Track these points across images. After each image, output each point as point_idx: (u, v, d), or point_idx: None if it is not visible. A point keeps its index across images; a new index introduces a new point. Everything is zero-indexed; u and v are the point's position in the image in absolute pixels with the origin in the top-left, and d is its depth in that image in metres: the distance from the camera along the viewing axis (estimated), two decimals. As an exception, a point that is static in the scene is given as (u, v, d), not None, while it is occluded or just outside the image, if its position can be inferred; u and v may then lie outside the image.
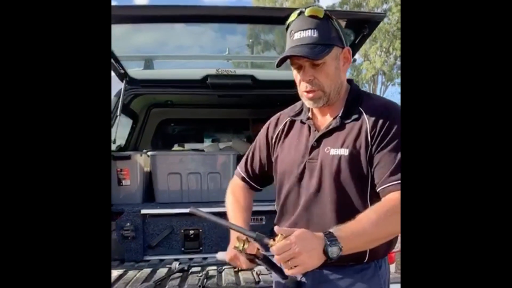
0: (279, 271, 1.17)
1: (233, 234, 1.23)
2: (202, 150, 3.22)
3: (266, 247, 1.06)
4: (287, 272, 1.03)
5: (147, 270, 2.09)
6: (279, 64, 1.20)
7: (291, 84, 2.81)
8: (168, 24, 2.43)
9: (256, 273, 1.96)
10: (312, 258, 1.00)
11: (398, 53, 16.08)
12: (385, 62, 17.66)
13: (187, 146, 4.06)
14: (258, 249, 1.13)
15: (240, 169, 1.47)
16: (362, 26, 2.03)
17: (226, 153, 2.89)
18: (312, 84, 1.19)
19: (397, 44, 15.87)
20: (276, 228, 1.04)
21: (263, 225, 2.44)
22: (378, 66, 17.62)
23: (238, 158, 2.82)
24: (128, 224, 2.33)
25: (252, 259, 1.16)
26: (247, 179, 1.45)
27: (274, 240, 1.01)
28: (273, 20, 2.11)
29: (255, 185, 1.45)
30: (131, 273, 2.06)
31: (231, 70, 2.85)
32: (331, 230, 1.05)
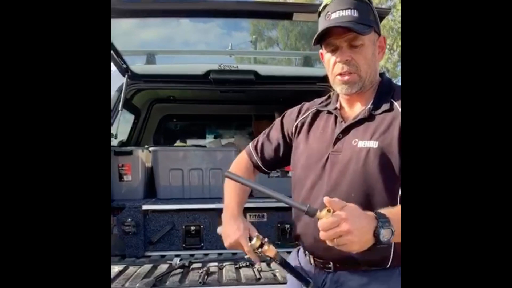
0: (300, 277, 1.09)
1: (240, 223, 1.17)
2: (204, 146, 3.21)
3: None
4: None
5: (147, 266, 2.08)
6: (316, 42, 1.11)
7: (294, 80, 2.83)
8: (174, 21, 2.42)
9: (257, 270, 1.94)
10: (361, 239, 0.87)
11: (402, 50, 16.01)
12: (389, 59, 17.59)
13: (190, 142, 4.06)
14: (278, 252, 1.08)
15: (251, 147, 1.41)
16: None
17: (227, 149, 2.87)
18: (349, 65, 1.10)
19: (401, 41, 15.79)
20: (326, 199, 0.89)
21: (264, 221, 2.42)
22: (381, 63, 17.53)
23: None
24: (129, 219, 2.32)
25: (268, 261, 1.12)
26: (255, 158, 1.38)
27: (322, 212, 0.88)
28: (279, 15, 2.08)
29: (262, 167, 1.38)
30: (131, 268, 2.05)
31: (234, 65, 2.83)
32: (381, 211, 0.93)
